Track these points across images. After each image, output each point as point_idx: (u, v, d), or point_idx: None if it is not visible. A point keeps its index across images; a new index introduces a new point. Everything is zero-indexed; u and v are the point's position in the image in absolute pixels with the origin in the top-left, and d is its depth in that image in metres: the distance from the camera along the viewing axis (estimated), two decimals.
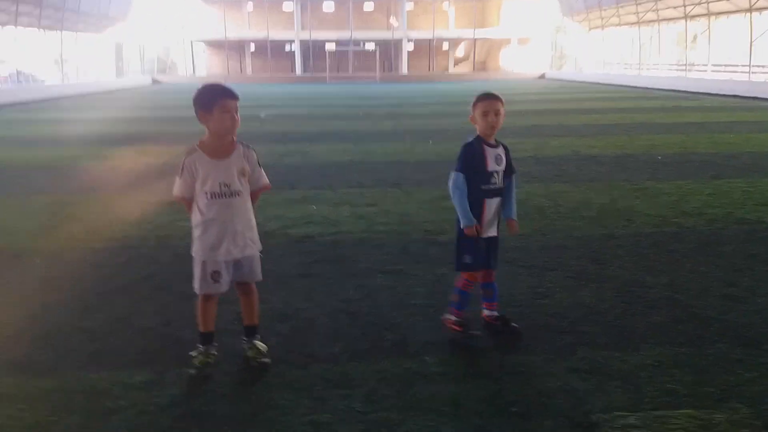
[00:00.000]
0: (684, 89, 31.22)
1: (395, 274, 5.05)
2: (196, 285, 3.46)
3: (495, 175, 3.76)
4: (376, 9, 62.97)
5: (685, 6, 34.64)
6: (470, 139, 3.77)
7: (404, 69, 57.71)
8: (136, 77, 50.46)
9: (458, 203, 3.74)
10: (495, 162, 3.75)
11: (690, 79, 33.55)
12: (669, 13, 37.13)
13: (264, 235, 6.19)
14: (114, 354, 3.69)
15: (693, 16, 35.13)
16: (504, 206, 3.85)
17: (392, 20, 60.58)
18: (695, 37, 37.03)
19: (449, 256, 5.41)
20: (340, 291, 4.71)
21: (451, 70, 62.67)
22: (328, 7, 61.94)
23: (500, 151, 3.78)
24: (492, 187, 3.77)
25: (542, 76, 53.11)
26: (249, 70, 60.81)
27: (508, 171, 3.84)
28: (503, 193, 3.84)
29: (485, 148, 3.74)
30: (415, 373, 3.44)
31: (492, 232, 3.85)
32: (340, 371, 3.47)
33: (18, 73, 35.79)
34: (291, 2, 58.41)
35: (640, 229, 6.33)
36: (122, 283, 4.92)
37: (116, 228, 6.57)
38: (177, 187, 3.40)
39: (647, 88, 34.02)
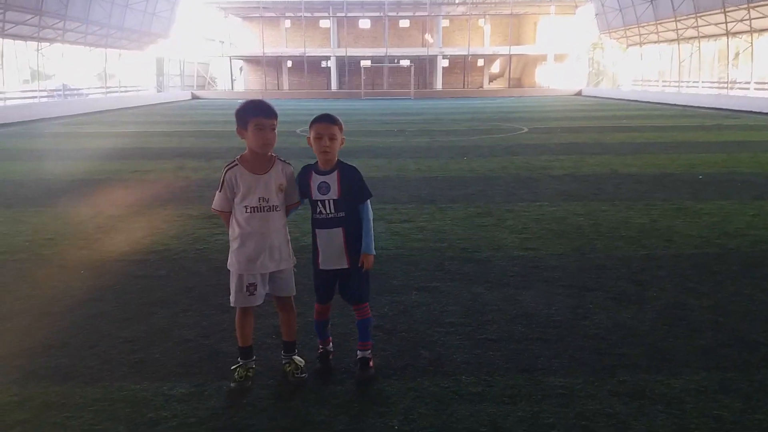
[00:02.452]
0: (725, 107, 30.59)
1: (430, 292, 5.04)
2: (232, 298, 3.51)
3: (320, 204, 3.47)
4: (412, 26, 63.36)
5: (726, 23, 34.03)
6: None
7: (439, 85, 57.84)
8: (176, 92, 51.60)
9: None
10: (318, 190, 3.47)
11: (732, 96, 32.84)
12: (710, 30, 36.51)
13: (301, 250, 6.27)
14: (155, 365, 3.76)
15: (735, 33, 34.49)
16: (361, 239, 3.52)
17: (427, 37, 60.87)
18: (737, 54, 36.28)
19: (485, 274, 5.41)
20: (375, 307, 4.69)
21: (486, 86, 62.57)
22: (364, 23, 62.58)
23: (330, 178, 3.46)
24: (319, 216, 3.50)
25: (579, 93, 52.56)
26: (286, 86, 61.70)
27: (358, 198, 3.50)
28: (345, 223, 3.49)
29: (312, 174, 3.50)
30: (452, 392, 3.42)
31: (336, 264, 3.54)
32: (376, 388, 3.48)
33: (64, 87, 36.98)
34: (328, 19, 59.24)
35: (682, 250, 6.20)
36: (163, 295, 5.02)
37: (157, 241, 6.71)
38: (216, 201, 3.46)
39: (687, 106, 33.42)
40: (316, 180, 3.49)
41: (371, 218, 3.57)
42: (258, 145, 3.36)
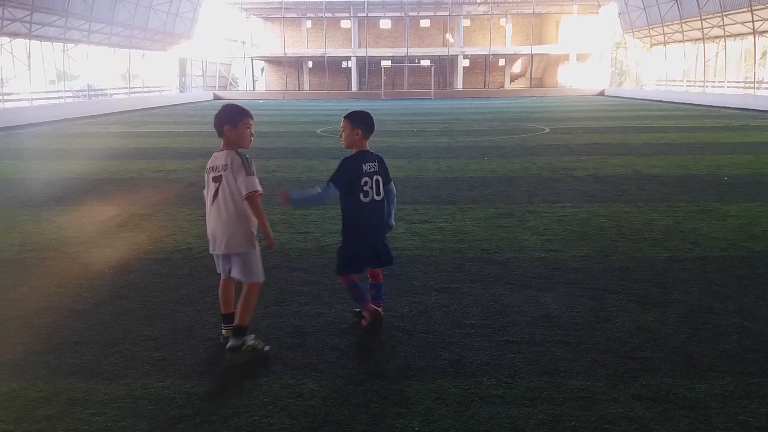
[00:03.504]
0: (752, 107, 30.07)
1: (450, 293, 5.03)
2: (262, 273, 3.91)
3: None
4: (433, 25, 63.25)
5: (753, 21, 33.45)
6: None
7: (459, 85, 57.67)
8: (198, 93, 52.08)
9: None
10: None
11: (759, 96, 32.24)
12: (736, 28, 35.90)
13: (320, 250, 6.32)
14: (178, 363, 3.80)
15: (762, 32, 33.88)
16: None
17: (448, 36, 60.73)
18: (764, 54, 35.62)
19: (506, 276, 5.39)
20: (394, 307, 4.72)
21: (507, 86, 62.22)
22: (385, 23, 62.61)
23: None
24: None
25: (601, 93, 52.04)
26: (306, 86, 61.97)
27: None
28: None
29: None
30: (472, 394, 3.41)
31: None
32: (396, 389, 3.48)
33: (89, 87, 37.51)
34: (348, 20, 59.37)
35: (706, 252, 6.11)
36: (186, 293, 5.07)
37: (180, 240, 6.79)
38: (258, 184, 3.77)
39: (712, 107, 32.93)
40: None
41: (318, 195, 4.09)
42: (248, 141, 3.90)
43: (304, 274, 5.55)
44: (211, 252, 3.91)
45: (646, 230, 6.96)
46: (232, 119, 3.81)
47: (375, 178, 4.18)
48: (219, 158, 3.79)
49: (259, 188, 3.73)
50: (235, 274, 3.86)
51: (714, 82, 40.14)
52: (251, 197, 3.69)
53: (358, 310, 4.48)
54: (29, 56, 29.05)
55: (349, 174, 4.09)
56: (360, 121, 4.19)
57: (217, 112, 3.86)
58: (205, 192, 3.90)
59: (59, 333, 4.27)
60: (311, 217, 7.75)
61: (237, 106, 3.92)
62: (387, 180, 4.28)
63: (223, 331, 4.09)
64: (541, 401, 3.32)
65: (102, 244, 6.66)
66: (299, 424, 3.12)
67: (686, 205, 8.27)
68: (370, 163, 4.19)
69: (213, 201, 3.78)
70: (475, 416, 3.18)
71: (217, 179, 3.77)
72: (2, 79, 28.36)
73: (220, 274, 4.00)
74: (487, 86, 59.09)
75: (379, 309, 4.40)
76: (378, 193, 4.18)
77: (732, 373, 3.58)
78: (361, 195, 4.11)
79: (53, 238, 6.94)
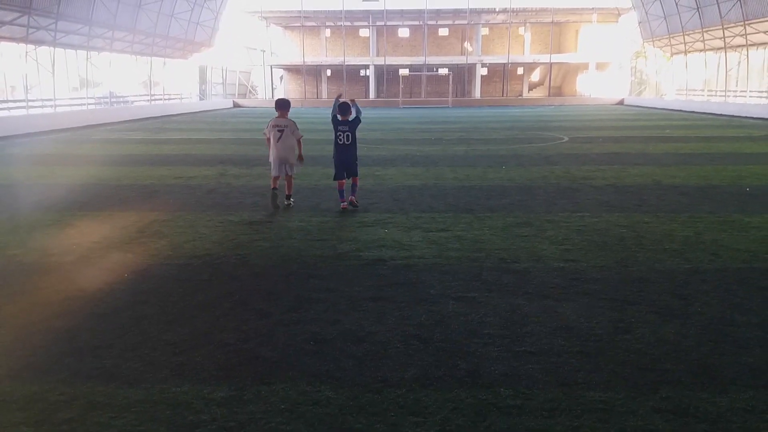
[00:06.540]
0: None
1: (468, 301, 5.01)
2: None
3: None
4: (451, 34, 63.30)
5: None
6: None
7: (477, 93, 57.58)
8: (218, 100, 52.54)
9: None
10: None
11: None
12: (759, 37, 35.47)
13: (336, 257, 6.35)
14: (196, 368, 3.83)
15: None
16: None
17: (466, 45, 60.73)
18: None
19: (524, 286, 5.36)
20: (411, 316, 4.72)
21: (526, 94, 62.02)
22: (404, 32, 62.77)
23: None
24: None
25: (621, 102, 51.68)
26: (325, 94, 62.28)
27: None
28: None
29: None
30: (489, 404, 3.39)
31: None
32: (413, 398, 3.47)
33: (111, 94, 38.02)
34: (367, 28, 59.62)
35: (728, 264, 6.03)
36: (204, 299, 5.11)
37: (199, 246, 6.85)
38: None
39: (734, 116, 32.53)
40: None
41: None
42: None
43: (322, 281, 5.56)
44: (279, 164, 8.62)
45: (666, 241, 6.89)
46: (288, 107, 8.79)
47: (346, 133, 8.52)
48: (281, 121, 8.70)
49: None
50: (289, 171, 8.80)
51: (736, 91, 39.65)
52: (299, 140, 8.76)
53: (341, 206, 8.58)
54: (53, 64, 29.53)
55: (333, 122, 8.63)
56: (339, 108, 8.58)
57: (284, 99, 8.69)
58: (269, 135, 8.58)
59: (80, 337, 4.33)
60: (328, 224, 7.79)
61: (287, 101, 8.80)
62: (354, 129, 8.60)
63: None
64: (560, 413, 3.29)
65: (122, 249, 6.73)
66: (316, 431, 3.13)
67: (707, 216, 8.18)
68: (343, 126, 8.53)
69: (278, 140, 8.54)
70: (492, 427, 3.16)
71: (281, 131, 8.54)
72: (27, 86, 28.86)
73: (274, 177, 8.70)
74: (505, 95, 58.94)
75: (352, 199, 8.85)
76: (348, 140, 8.53)
77: (755, 387, 3.53)
78: (338, 140, 8.55)
79: (75, 242, 7.03)
